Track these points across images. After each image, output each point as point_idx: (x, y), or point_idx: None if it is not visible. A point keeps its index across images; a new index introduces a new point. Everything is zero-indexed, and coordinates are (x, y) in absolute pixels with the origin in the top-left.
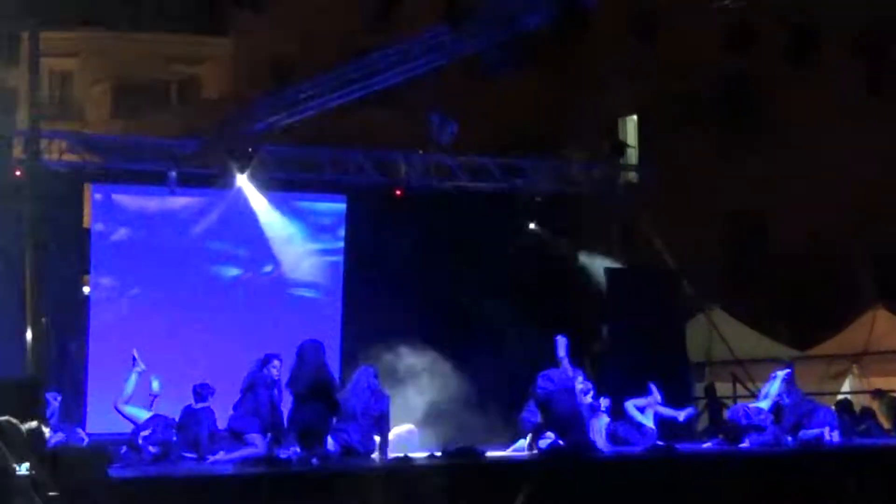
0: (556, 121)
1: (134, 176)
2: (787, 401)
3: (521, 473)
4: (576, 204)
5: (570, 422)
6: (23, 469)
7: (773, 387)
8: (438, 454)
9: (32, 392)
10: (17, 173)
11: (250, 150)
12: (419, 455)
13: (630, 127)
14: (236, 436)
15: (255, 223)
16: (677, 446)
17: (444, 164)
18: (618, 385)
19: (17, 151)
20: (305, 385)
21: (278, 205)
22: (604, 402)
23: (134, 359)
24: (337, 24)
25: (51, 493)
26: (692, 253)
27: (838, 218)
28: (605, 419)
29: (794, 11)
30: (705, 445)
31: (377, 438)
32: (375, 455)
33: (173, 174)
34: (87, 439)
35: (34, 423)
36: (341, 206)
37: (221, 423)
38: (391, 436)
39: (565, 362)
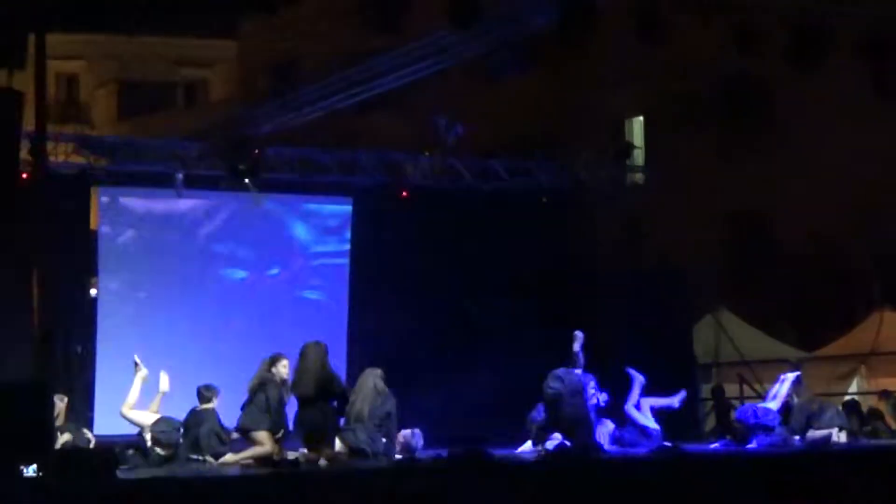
0: (561, 122)
1: (140, 178)
2: (796, 401)
3: (528, 474)
4: (582, 205)
5: (577, 423)
6: (30, 471)
7: (783, 388)
8: (445, 455)
9: (39, 394)
10: (24, 175)
11: (256, 152)
12: (425, 456)
13: (636, 128)
14: (244, 435)
15: (262, 225)
16: (684, 447)
17: (449, 166)
18: (623, 386)
19: (24, 154)
20: (310, 386)
21: (284, 206)
22: (601, 396)
23: (136, 364)
24: (343, 26)
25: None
26: (699, 253)
27: (845, 219)
28: (609, 426)
29: (798, 13)
30: (713, 446)
31: (384, 439)
32: (382, 456)
33: (180, 176)
34: (93, 441)
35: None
36: (347, 208)
37: (229, 424)
38: (398, 437)
39: (580, 358)
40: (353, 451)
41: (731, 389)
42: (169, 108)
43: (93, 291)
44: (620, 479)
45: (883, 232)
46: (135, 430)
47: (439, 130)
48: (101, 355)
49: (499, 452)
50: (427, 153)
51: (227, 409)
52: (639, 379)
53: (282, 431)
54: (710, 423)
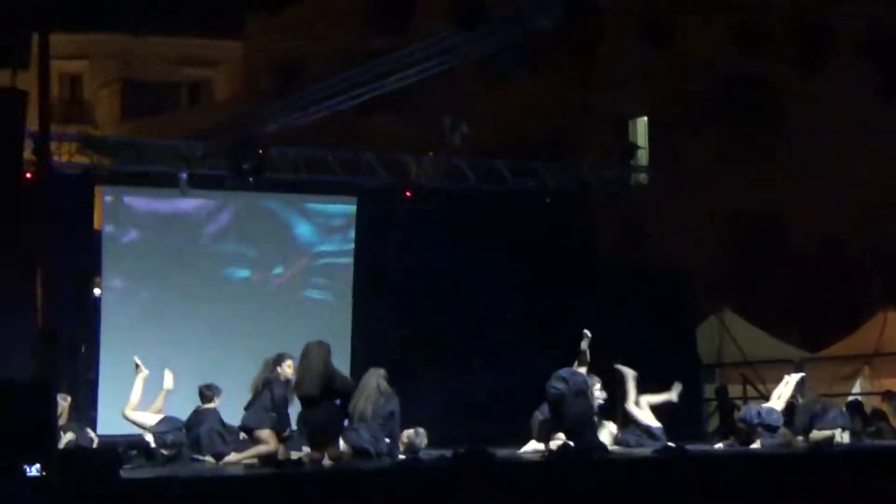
0: (565, 122)
1: (144, 178)
2: (800, 401)
3: (531, 475)
4: (586, 205)
5: (580, 424)
6: (33, 470)
7: (787, 389)
8: (448, 455)
9: (42, 393)
10: (28, 175)
11: (261, 151)
12: (429, 456)
13: (640, 128)
14: (248, 434)
15: (266, 225)
16: (687, 447)
17: (454, 166)
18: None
19: (28, 153)
20: (313, 386)
21: (288, 206)
22: (602, 395)
23: (136, 365)
24: (348, 26)
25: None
26: (702, 254)
27: (849, 219)
28: (612, 427)
29: (802, 13)
30: (717, 446)
31: (387, 440)
32: (385, 456)
33: (184, 176)
34: (96, 440)
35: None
36: (351, 208)
37: (233, 423)
38: (401, 437)
39: (587, 355)
40: (357, 450)
41: (734, 390)
42: (173, 108)
43: (96, 291)
44: (624, 479)
45: (886, 232)
46: (138, 430)
47: (444, 130)
48: (105, 355)
49: (502, 453)
50: (431, 153)
51: (231, 409)
52: (630, 373)
53: (287, 431)
54: (714, 423)
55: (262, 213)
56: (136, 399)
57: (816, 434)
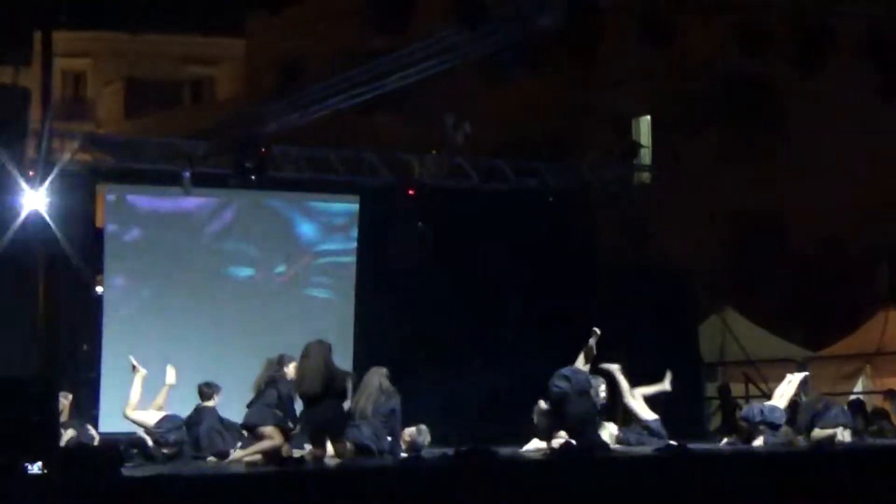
0: (568, 122)
1: (147, 176)
2: (803, 399)
3: (533, 473)
4: (588, 205)
5: (582, 423)
6: (35, 468)
7: (790, 388)
8: (450, 453)
9: (44, 391)
10: (30, 173)
11: (263, 150)
12: (431, 454)
13: (643, 127)
14: (251, 431)
15: (268, 223)
16: (689, 446)
17: (457, 165)
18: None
19: (30, 151)
20: (316, 384)
21: (291, 205)
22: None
23: (133, 366)
24: (349, 25)
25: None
26: (703, 254)
27: (851, 218)
28: (613, 428)
29: (806, 13)
30: (723, 442)
31: (388, 437)
32: (387, 454)
33: (186, 174)
34: (98, 438)
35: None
36: (354, 207)
37: (235, 421)
38: (403, 435)
39: (593, 351)
40: (359, 448)
41: (736, 389)
42: (175, 106)
43: (99, 289)
44: (625, 478)
45: (888, 231)
46: (140, 429)
47: (447, 129)
48: (107, 353)
49: (504, 451)
50: (433, 153)
51: (233, 406)
52: (614, 367)
53: (297, 426)
54: (716, 422)
55: (264, 212)
56: (135, 399)
57: (818, 432)
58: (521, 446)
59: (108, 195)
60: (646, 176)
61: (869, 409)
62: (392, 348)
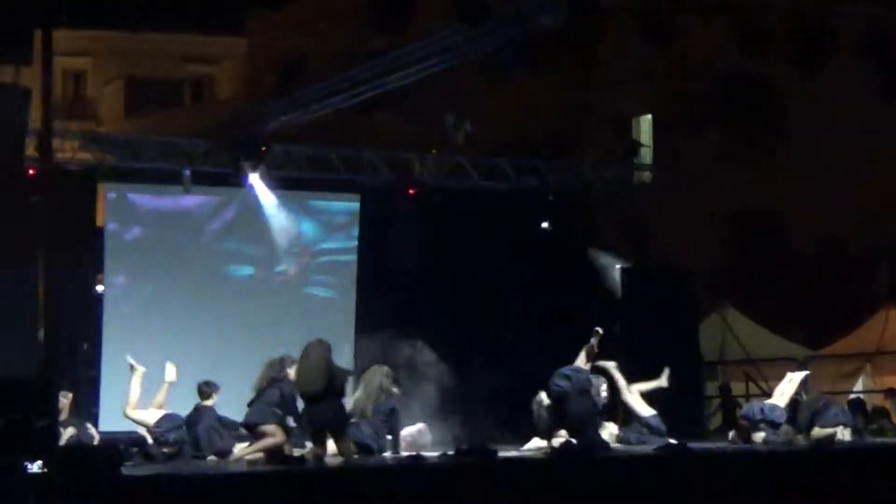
0: (567, 121)
1: (147, 175)
2: (804, 398)
3: (534, 472)
4: (589, 203)
5: (583, 422)
6: (35, 467)
7: (790, 387)
8: (451, 453)
9: (44, 391)
10: (30, 172)
11: (263, 149)
12: (431, 453)
13: (644, 126)
14: (251, 430)
15: (269, 222)
16: (690, 445)
17: (457, 164)
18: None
19: (30, 150)
20: (318, 384)
21: (292, 204)
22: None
23: (130, 365)
24: (350, 24)
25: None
26: (703, 253)
27: (851, 218)
28: (613, 428)
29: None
30: (730, 437)
31: (388, 436)
32: (387, 453)
33: (187, 173)
34: (97, 436)
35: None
36: (355, 206)
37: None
38: (404, 434)
39: (594, 349)
40: (358, 446)
41: (737, 387)
42: (176, 105)
43: (99, 288)
44: (626, 477)
45: (888, 231)
46: (140, 428)
47: (448, 128)
48: (107, 352)
49: (504, 450)
50: (434, 151)
51: (234, 405)
52: (610, 364)
53: (301, 423)
54: (717, 420)
55: (265, 211)
56: (134, 397)
57: (818, 431)
58: (522, 446)
59: (108, 194)
60: (646, 175)
61: (869, 407)
62: (393, 347)
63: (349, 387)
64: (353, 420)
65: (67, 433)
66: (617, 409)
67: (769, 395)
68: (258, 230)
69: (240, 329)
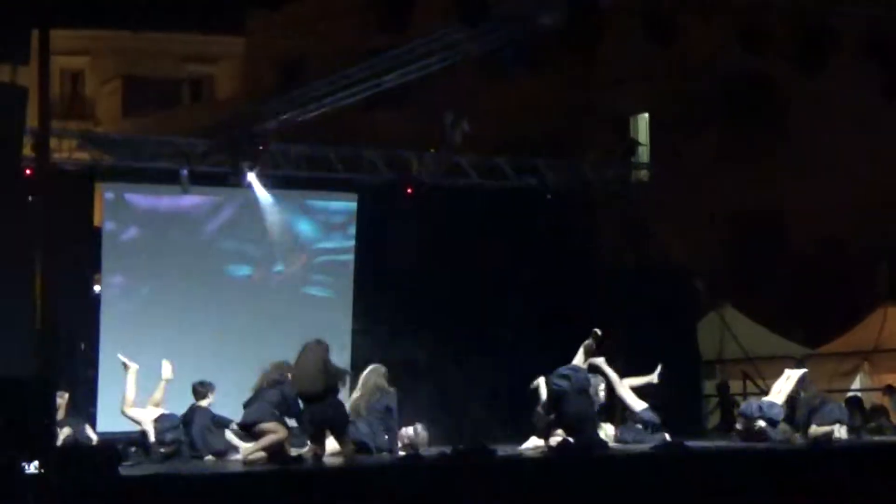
0: (567, 120)
1: (145, 175)
2: (802, 395)
3: (532, 471)
4: (587, 203)
5: (581, 421)
6: (32, 468)
7: (788, 385)
8: (448, 452)
9: (41, 391)
10: (27, 172)
11: (261, 148)
12: (429, 453)
13: (641, 125)
14: (249, 429)
15: (267, 222)
16: (688, 443)
17: (455, 163)
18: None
19: (27, 150)
20: (318, 384)
21: (289, 203)
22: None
23: (124, 364)
24: (349, 22)
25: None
26: (703, 251)
27: (851, 218)
28: (610, 430)
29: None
30: (725, 442)
31: (385, 436)
32: (385, 451)
33: (185, 173)
34: (93, 435)
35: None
36: (352, 205)
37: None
38: (401, 434)
39: (592, 347)
40: (355, 445)
41: (735, 386)
42: (174, 105)
43: (96, 288)
44: (624, 476)
45: (888, 231)
46: (138, 427)
47: (445, 126)
48: (105, 352)
49: (502, 449)
50: (433, 150)
51: (231, 405)
52: (600, 360)
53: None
54: (715, 419)
55: (262, 210)
56: (131, 395)
57: (815, 429)
58: (520, 445)
59: (106, 194)
60: (644, 174)
61: (867, 405)
62: (390, 346)
63: (346, 387)
64: (350, 420)
65: (64, 433)
66: (614, 410)
67: (767, 394)
68: (256, 230)
69: (237, 328)
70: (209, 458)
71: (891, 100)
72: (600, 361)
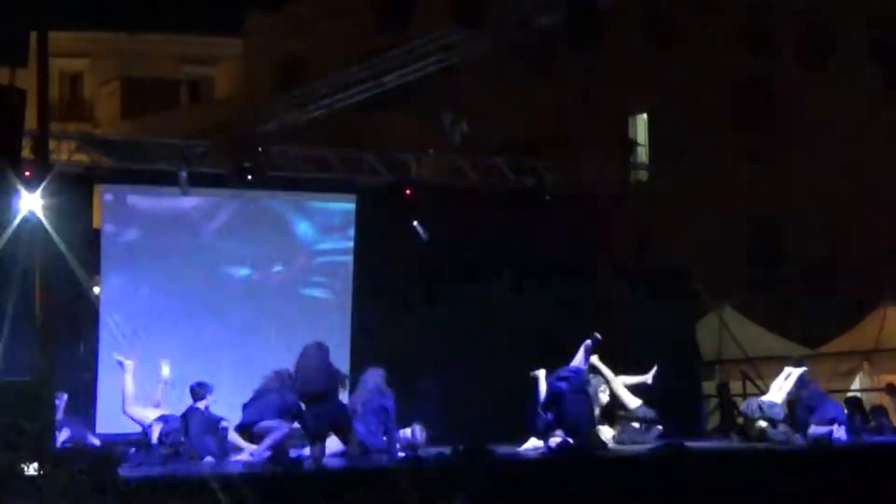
0: (567, 121)
1: (144, 176)
2: (802, 394)
3: (531, 472)
4: (587, 203)
5: (580, 422)
6: (31, 469)
7: (787, 383)
8: (448, 452)
9: (40, 393)
10: (27, 174)
11: (261, 149)
12: (428, 454)
13: (640, 125)
14: (249, 429)
15: (266, 223)
16: (687, 443)
17: (455, 164)
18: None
19: (27, 152)
20: (314, 384)
21: (289, 204)
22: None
23: (120, 363)
24: (349, 24)
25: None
26: (702, 251)
27: (848, 216)
28: (609, 430)
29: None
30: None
31: (384, 437)
32: (383, 452)
33: (184, 174)
34: (94, 437)
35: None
36: (351, 206)
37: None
38: (399, 434)
39: (590, 350)
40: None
41: (734, 387)
42: (173, 106)
43: (96, 290)
44: (623, 476)
45: (888, 231)
46: (137, 428)
47: (444, 128)
48: (104, 354)
49: (502, 450)
50: (432, 151)
51: (230, 406)
52: (592, 357)
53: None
54: (715, 420)
55: (261, 212)
56: (130, 392)
57: (815, 429)
58: (519, 446)
59: (105, 195)
60: (642, 174)
61: (867, 405)
62: (389, 347)
63: (346, 389)
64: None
65: (62, 434)
66: (614, 413)
67: (766, 393)
68: (255, 231)
69: (237, 329)
70: (208, 458)
71: (890, 100)
72: (594, 359)
